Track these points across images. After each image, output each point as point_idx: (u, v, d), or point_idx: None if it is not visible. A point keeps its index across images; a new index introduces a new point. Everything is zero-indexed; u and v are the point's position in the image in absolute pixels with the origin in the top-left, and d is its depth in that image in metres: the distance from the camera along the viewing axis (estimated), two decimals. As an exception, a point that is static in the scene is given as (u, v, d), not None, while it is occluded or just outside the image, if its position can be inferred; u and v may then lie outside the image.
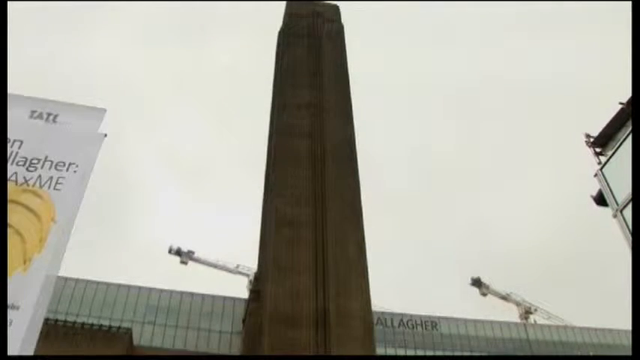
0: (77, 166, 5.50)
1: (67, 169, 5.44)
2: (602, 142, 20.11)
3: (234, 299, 49.52)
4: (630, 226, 17.21)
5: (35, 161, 5.34)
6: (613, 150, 19.42)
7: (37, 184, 5.23)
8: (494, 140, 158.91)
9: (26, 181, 5.18)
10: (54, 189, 5.23)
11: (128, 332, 41.87)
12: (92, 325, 41.75)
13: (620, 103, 18.88)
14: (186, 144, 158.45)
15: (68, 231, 4.95)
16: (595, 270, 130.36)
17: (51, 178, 5.31)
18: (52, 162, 5.42)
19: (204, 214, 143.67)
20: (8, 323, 4.28)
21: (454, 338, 51.45)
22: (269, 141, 51.02)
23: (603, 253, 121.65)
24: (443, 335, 51.37)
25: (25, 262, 4.24)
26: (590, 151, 20.39)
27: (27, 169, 5.24)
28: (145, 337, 44.59)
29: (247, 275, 67.35)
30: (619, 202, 18.28)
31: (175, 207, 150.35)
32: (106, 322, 43.02)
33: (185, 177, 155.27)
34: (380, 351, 44.25)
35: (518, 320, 71.17)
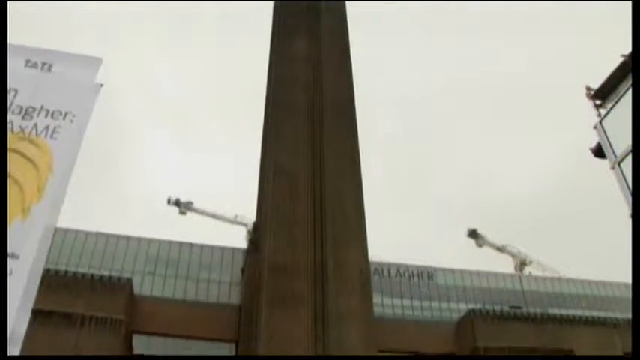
0: (74, 115, 5.46)
1: (64, 119, 5.40)
2: (603, 94, 20.01)
3: (233, 249, 49.97)
4: (627, 179, 17.26)
5: (31, 110, 5.29)
6: (613, 102, 19.34)
7: (34, 132, 5.19)
8: (493, 92, 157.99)
9: (22, 129, 5.14)
10: (51, 138, 5.20)
11: (128, 282, 42.35)
12: (92, 275, 42.18)
13: (622, 56, 18.69)
14: (184, 95, 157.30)
15: (66, 181, 4.93)
16: (591, 223, 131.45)
17: (47, 127, 5.27)
18: (48, 111, 5.37)
19: (202, 165, 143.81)
20: (9, 272, 4.31)
21: (450, 289, 52.20)
22: (267, 92, 50.64)
23: (600, 206, 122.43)
24: (439, 285, 52.10)
25: (23, 212, 4.24)
26: (590, 104, 20.31)
27: (22, 117, 5.20)
28: (145, 287, 45.16)
29: (246, 226, 67.71)
30: (617, 154, 18.31)
31: (173, 158, 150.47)
32: (106, 273, 43.48)
33: (183, 128, 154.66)
34: (377, 300, 44.96)
35: (514, 272, 72.01)
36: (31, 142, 5.04)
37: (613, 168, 18.33)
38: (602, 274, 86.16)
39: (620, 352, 35.23)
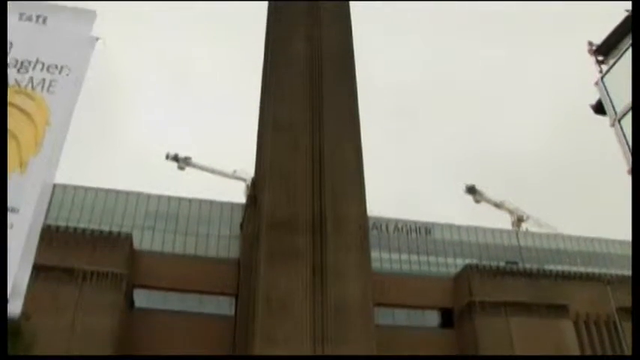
0: (70, 69, 5.39)
1: (60, 72, 5.33)
2: (605, 50, 19.77)
3: (231, 204, 50.19)
4: (628, 136, 17.22)
5: (27, 63, 5.22)
6: (615, 59, 19.13)
7: (30, 86, 5.13)
8: (495, 46, 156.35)
9: (18, 83, 5.07)
10: (47, 92, 5.14)
11: (128, 237, 42.62)
12: (93, 231, 42.44)
13: (626, 11, 18.40)
14: (182, 49, 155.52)
15: (63, 134, 4.90)
16: (589, 180, 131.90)
17: (43, 80, 5.20)
18: (43, 64, 5.30)
19: (200, 120, 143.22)
20: (9, 227, 4.31)
21: (447, 244, 52.66)
22: (265, 46, 50.09)
23: (598, 163, 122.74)
24: (436, 241, 52.55)
25: (21, 165, 4.22)
26: (592, 60, 20.10)
27: (18, 70, 5.13)
28: (145, 242, 45.50)
29: (245, 180, 67.76)
30: (617, 111, 18.21)
31: (171, 113, 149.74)
32: (106, 228, 43.75)
33: (182, 82, 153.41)
34: (375, 255, 45.41)
35: (511, 228, 72.52)
36: (28, 95, 4.98)
37: (613, 125, 18.26)
38: (598, 231, 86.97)
39: (613, 308, 35.78)
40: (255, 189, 46.12)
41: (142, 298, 43.08)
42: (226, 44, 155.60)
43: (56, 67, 5.34)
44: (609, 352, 45.19)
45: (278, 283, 37.41)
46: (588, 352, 45.02)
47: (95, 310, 37.55)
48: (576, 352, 42.26)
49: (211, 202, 49.59)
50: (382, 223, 51.71)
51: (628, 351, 33.23)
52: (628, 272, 46.48)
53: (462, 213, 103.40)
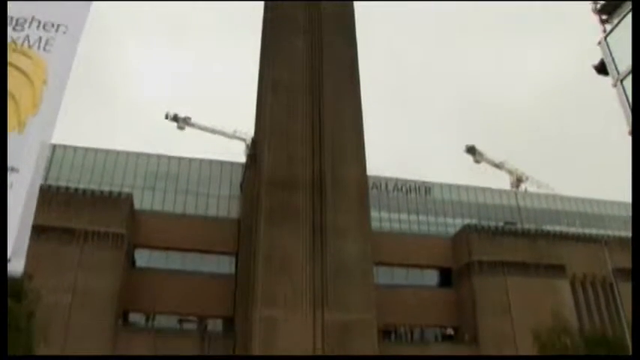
0: (67, 27, 5.31)
1: (57, 31, 5.26)
2: (609, 9, 19.51)
3: (231, 164, 50.22)
4: (629, 96, 17.13)
5: (22, 21, 5.14)
6: (619, 18, 18.89)
7: (26, 44, 5.06)
8: (499, 3, 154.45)
9: (14, 40, 5.01)
10: (44, 50, 5.07)
11: (129, 197, 42.73)
12: (93, 191, 42.53)
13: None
14: (181, 6, 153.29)
15: (60, 94, 4.85)
16: (589, 140, 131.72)
17: (40, 38, 5.13)
18: (39, 22, 5.22)
19: (200, 79, 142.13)
20: (9, 186, 4.32)
21: (446, 204, 52.89)
22: (265, 6, 49.48)
23: (599, 124, 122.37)
24: (436, 201, 52.76)
25: (19, 125, 4.20)
26: (596, 19, 19.86)
27: (14, 28, 5.06)
28: (145, 202, 45.66)
29: (244, 140, 67.69)
30: (620, 71, 18.07)
31: (170, 73, 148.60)
32: (106, 189, 43.83)
33: (182, 41, 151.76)
34: (374, 214, 45.66)
35: (510, 188, 72.71)
36: (24, 54, 4.92)
37: (615, 85, 18.15)
38: (597, 193, 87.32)
39: (609, 269, 36.09)
40: (254, 149, 46.11)
41: (142, 258, 43.48)
42: (226, 4, 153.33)
43: (52, 25, 5.26)
44: (604, 312, 45.83)
45: (278, 243, 37.73)
46: (584, 312, 45.65)
47: (97, 269, 37.92)
48: (572, 312, 42.84)
49: (211, 162, 49.61)
50: (382, 183, 51.85)
51: (623, 311, 33.62)
52: (625, 233, 46.87)
53: (461, 173, 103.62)
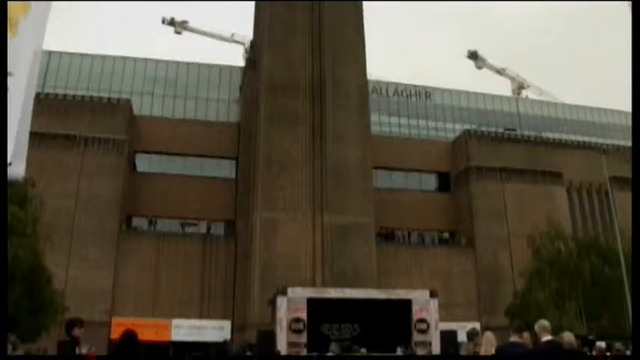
0: None
1: None
2: None
3: (230, 68, 49.58)
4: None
5: None
6: None
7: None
8: None
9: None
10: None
11: (128, 103, 42.53)
12: (92, 98, 42.26)
13: None
14: None
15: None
16: (594, 50, 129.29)
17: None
18: None
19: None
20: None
21: (447, 109, 52.65)
22: None
23: (604, 34, 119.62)
24: (436, 105, 52.49)
25: (11, 28, 4.15)
26: None
27: None
28: (144, 108, 45.45)
29: (243, 44, 66.35)
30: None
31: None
32: (105, 95, 43.52)
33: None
34: (374, 118, 45.59)
35: (511, 95, 72.06)
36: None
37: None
38: (597, 101, 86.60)
39: (606, 177, 36.34)
40: (253, 52, 45.42)
41: (143, 163, 43.76)
42: None
43: None
44: (599, 219, 46.62)
45: (278, 146, 37.96)
46: (579, 219, 46.46)
47: (99, 175, 38.36)
48: (567, 218, 43.58)
49: (210, 66, 48.96)
50: (382, 87, 51.41)
51: (616, 218, 34.14)
52: (624, 142, 46.96)
53: (462, 78, 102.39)
